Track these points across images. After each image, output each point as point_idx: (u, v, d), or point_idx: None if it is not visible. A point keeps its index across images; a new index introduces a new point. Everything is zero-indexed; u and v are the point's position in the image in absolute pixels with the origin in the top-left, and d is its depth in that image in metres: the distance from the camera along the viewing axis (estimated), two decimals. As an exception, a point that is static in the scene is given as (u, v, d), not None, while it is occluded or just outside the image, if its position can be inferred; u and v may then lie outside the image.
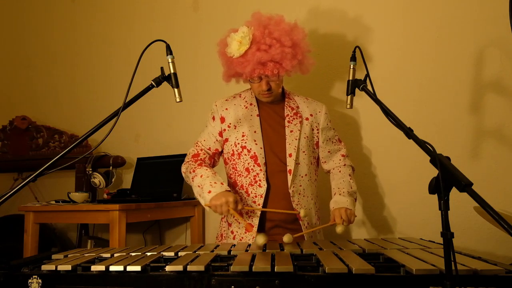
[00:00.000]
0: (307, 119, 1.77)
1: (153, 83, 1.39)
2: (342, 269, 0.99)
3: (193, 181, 1.67)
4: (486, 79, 1.98)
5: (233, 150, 1.74)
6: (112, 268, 1.09)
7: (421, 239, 1.52)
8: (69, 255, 1.32)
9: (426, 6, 2.12)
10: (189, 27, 2.74)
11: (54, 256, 1.32)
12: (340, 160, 1.84)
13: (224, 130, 1.77)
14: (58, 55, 3.22)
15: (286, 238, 1.43)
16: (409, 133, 1.14)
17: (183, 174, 1.77)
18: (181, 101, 1.41)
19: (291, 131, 1.72)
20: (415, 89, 2.12)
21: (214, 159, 1.83)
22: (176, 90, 1.40)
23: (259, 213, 1.67)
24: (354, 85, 1.43)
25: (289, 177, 1.68)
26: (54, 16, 3.26)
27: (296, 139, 1.71)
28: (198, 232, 2.54)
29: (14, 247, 2.57)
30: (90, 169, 2.69)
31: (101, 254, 1.30)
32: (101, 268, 1.09)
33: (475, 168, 1.97)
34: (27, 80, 3.34)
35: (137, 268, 1.07)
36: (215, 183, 1.59)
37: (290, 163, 1.69)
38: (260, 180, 1.68)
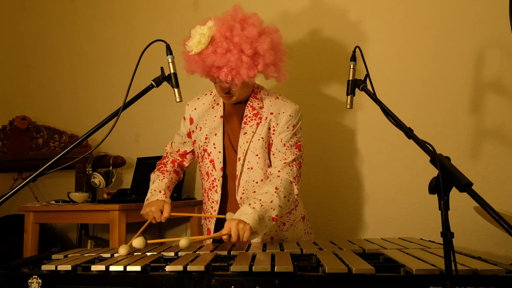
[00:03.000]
0: (266, 118, 1.61)
1: (153, 83, 1.39)
2: (342, 269, 0.99)
3: None
4: (486, 79, 1.98)
5: (197, 152, 1.70)
6: (112, 268, 1.09)
7: (421, 239, 1.52)
8: (69, 255, 1.32)
9: (426, 6, 2.12)
10: (189, 27, 2.73)
11: (54, 256, 1.32)
12: (277, 166, 1.56)
13: (193, 131, 1.71)
14: (58, 55, 3.22)
15: (183, 241, 1.24)
16: (409, 133, 1.14)
17: None
18: (181, 101, 1.41)
19: (245, 133, 1.60)
20: (415, 89, 2.12)
21: (183, 161, 1.79)
22: (176, 90, 1.40)
23: (214, 219, 1.64)
24: (354, 85, 1.43)
25: (236, 183, 1.59)
26: (54, 16, 3.26)
27: (247, 142, 1.59)
28: (198, 232, 2.54)
29: (14, 247, 2.57)
30: (90, 169, 2.69)
31: (101, 254, 1.30)
32: (101, 268, 1.09)
33: (475, 168, 1.97)
34: (27, 80, 3.33)
35: (137, 268, 1.07)
36: (154, 190, 1.63)
37: (238, 168, 1.59)
38: (216, 186, 1.61)
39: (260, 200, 1.43)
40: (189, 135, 1.74)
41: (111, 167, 2.74)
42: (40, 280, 1.09)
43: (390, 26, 2.19)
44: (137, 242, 1.30)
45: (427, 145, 1.03)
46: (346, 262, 1.05)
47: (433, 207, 1.06)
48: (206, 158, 1.65)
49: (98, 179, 2.64)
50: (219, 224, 1.61)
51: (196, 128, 1.70)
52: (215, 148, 1.63)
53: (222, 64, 1.44)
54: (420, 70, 2.12)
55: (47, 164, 1.24)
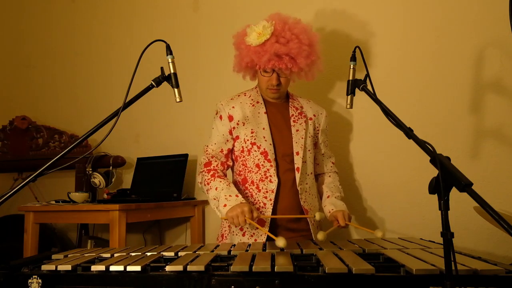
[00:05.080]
0: (310, 119, 1.82)
1: (153, 83, 1.39)
2: (342, 269, 0.99)
3: (208, 193, 1.70)
4: (486, 79, 1.98)
5: (242, 147, 1.74)
6: (112, 268, 1.09)
7: (421, 239, 1.52)
8: (69, 255, 1.32)
9: (426, 6, 2.12)
10: (189, 27, 2.74)
11: (54, 256, 1.32)
12: (331, 166, 1.93)
13: (234, 128, 1.77)
14: (58, 55, 3.22)
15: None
16: (409, 133, 1.14)
17: (199, 185, 1.78)
18: (181, 101, 1.41)
19: (297, 130, 1.76)
20: (415, 89, 2.12)
21: (227, 161, 1.79)
22: (176, 90, 1.40)
23: (270, 209, 1.68)
24: (354, 85, 1.43)
25: (297, 175, 1.72)
26: (54, 16, 3.26)
27: (302, 138, 1.75)
28: (198, 232, 2.54)
29: (14, 247, 2.57)
30: (90, 169, 2.69)
31: (101, 254, 1.30)
32: (101, 268, 1.09)
33: (475, 168, 1.97)
34: (27, 80, 3.34)
35: (137, 268, 1.07)
36: (230, 196, 1.60)
37: (298, 161, 1.72)
38: (271, 176, 1.70)
39: (336, 192, 1.83)
40: (230, 132, 1.78)
41: (111, 167, 2.74)
42: (40, 280, 1.09)
43: (390, 26, 2.19)
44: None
45: (427, 145, 1.03)
46: (346, 262, 1.05)
47: (433, 207, 1.06)
48: (255, 151, 1.72)
49: (98, 179, 2.64)
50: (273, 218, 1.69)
51: (238, 124, 1.76)
52: (265, 140, 1.73)
53: (285, 52, 1.61)
54: (420, 70, 2.12)
55: (47, 164, 1.24)
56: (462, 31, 2.04)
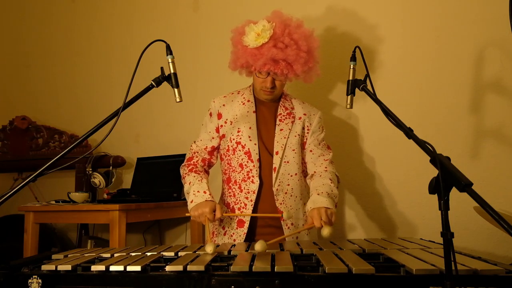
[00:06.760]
0: (299, 118, 1.76)
1: (153, 83, 1.39)
2: (342, 269, 0.99)
3: (184, 187, 1.72)
4: (486, 79, 1.98)
5: (228, 146, 1.74)
6: (112, 268, 1.09)
7: (421, 239, 1.52)
8: (69, 255, 1.32)
9: (426, 6, 2.12)
10: (189, 27, 2.74)
11: (54, 256, 1.32)
12: (322, 164, 1.72)
13: (221, 126, 1.77)
14: (58, 55, 3.22)
15: (259, 246, 1.23)
16: (409, 133, 1.14)
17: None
18: (181, 101, 1.41)
19: (281, 130, 1.72)
20: (415, 89, 2.12)
21: (211, 158, 1.81)
22: (176, 90, 1.40)
23: (250, 210, 1.67)
24: (354, 85, 1.43)
25: (274, 175, 1.68)
26: (54, 16, 3.26)
27: (285, 138, 1.71)
28: (198, 232, 2.54)
29: (14, 247, 2.57)
30: (90, 169, 2.69)
31: (101, 254, 1.30)
32: (101, 268, 1.09)
33: (475, 168, 1.97)
34: (27, 80, 3.34)
35: (137, 268, 1.07)
36: (198, 192, 1.62)
37: (276, 161, 1.68)
38: (253, 176, 1.67)
39: (324, 190, 1.59)
40: (217, 130, 1.79)
41: (111, 167, 2.74)
42: (40, 280, 1.09)
43: (390, 26, 2.19)
44: (260, 246, 1.22)
45: (427, 145, 1.03)
46: (346, 262, 1.05)
47: (433, 207, 1.06)
48: (239, 151, 1.71)
49: (98, 179, 2.64)
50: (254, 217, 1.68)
51: (226, 122, 1.76)
52: (250, 140, 1.70)
53: (281, 58, 1.57)
54: (420, 70, 2.11)
55: (47, 164, 1.24)
56: (462, 31, 2.04)
